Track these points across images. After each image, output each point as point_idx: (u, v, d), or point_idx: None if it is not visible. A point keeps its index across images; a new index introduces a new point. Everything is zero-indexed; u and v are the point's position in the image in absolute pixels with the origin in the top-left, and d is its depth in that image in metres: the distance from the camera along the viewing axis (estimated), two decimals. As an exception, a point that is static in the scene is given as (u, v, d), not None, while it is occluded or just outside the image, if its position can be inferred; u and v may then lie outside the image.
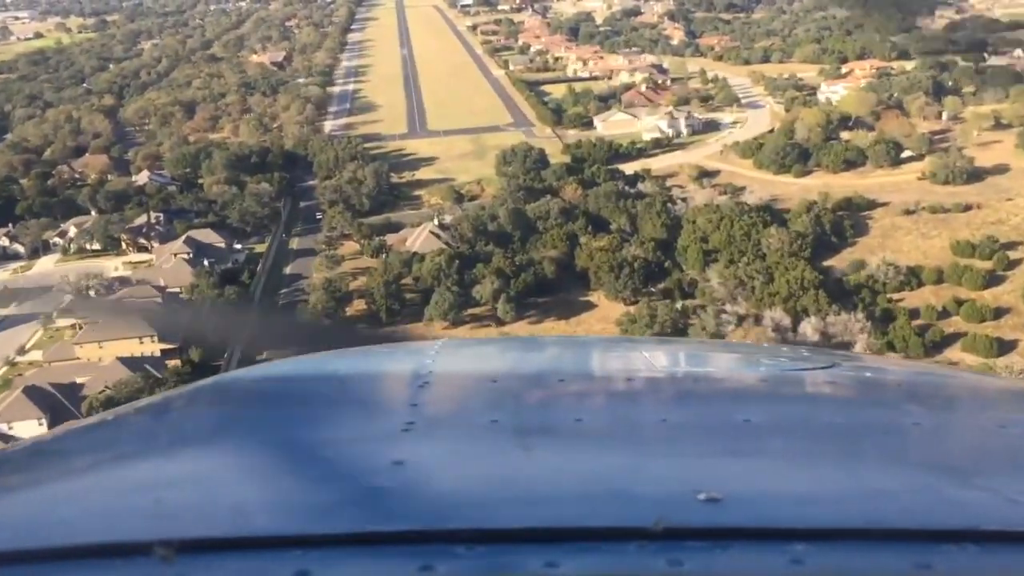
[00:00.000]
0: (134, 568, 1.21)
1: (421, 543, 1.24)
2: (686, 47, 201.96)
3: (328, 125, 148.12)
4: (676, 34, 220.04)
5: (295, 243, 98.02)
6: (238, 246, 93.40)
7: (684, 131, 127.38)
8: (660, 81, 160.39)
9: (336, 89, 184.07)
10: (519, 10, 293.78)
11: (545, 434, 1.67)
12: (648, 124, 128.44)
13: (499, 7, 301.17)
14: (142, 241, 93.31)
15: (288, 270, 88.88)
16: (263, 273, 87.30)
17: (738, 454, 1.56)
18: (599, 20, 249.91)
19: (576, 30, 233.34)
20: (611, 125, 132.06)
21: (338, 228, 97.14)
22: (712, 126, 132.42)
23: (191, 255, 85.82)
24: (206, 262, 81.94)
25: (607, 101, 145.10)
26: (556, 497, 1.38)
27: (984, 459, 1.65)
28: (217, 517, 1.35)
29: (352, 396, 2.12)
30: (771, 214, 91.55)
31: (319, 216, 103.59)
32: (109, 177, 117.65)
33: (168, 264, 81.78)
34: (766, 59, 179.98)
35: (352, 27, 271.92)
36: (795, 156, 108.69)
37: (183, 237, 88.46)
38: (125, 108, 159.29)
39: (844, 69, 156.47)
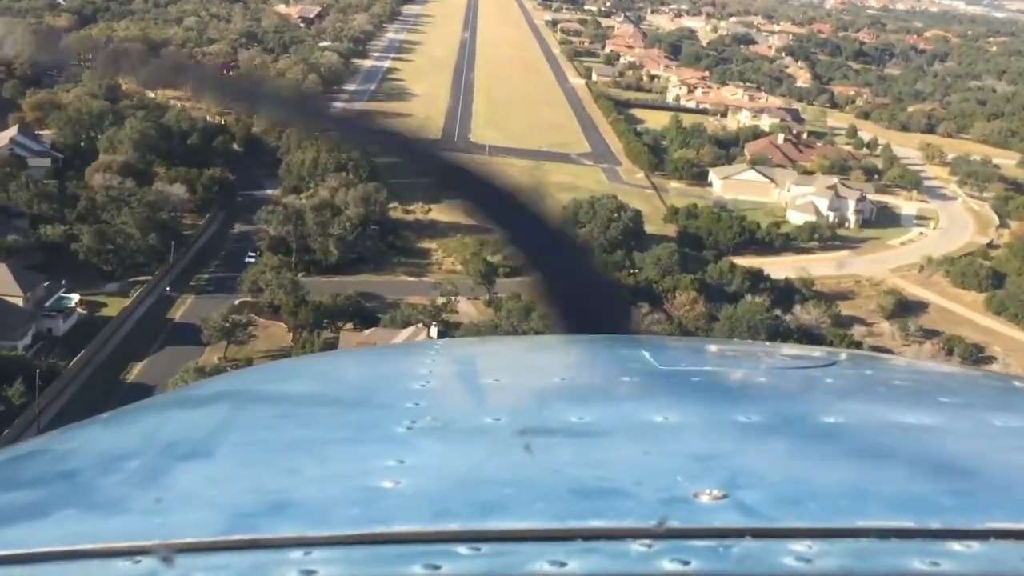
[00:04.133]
0: (135, 570, 1.21)
1: (424, 543, 1.25)
2: (818, 93, 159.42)
3: (335, 108, 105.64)
4: (801, 75, 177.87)
5: (186, 304, 55.10)
6: (71, 298, 50.79)
7: (852, 218, 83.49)
8: (796, 132, 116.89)
9: (366, 63, 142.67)
10: (608, 15, 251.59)
11: (548, 433, 1.68)
12: (797, 197, 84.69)
13: (585, 6, 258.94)
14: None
15: (134, 374, 45.93)
16: (78, 371, 44.53)
17: (742, 453, 1.57)
18: (703, 41, 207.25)
19: (678, 47, 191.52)
20: (736, 186, 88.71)
21: (268, 293, 54.34)
22: (889, 218, 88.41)
23: (-57, 314, 43.26)
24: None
25: (728, 149, 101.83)
26: (559, 496, 1.38)
27: (991, 457, 1.64)
28: (219, 518, 1.35)
29: (353, 396, 2.10)
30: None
31: (250, 258, 61.00)
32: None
33: None
34: (930, 128, 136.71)
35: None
36: (1065, 307, 64.93)
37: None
38: (71, 35, 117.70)
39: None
